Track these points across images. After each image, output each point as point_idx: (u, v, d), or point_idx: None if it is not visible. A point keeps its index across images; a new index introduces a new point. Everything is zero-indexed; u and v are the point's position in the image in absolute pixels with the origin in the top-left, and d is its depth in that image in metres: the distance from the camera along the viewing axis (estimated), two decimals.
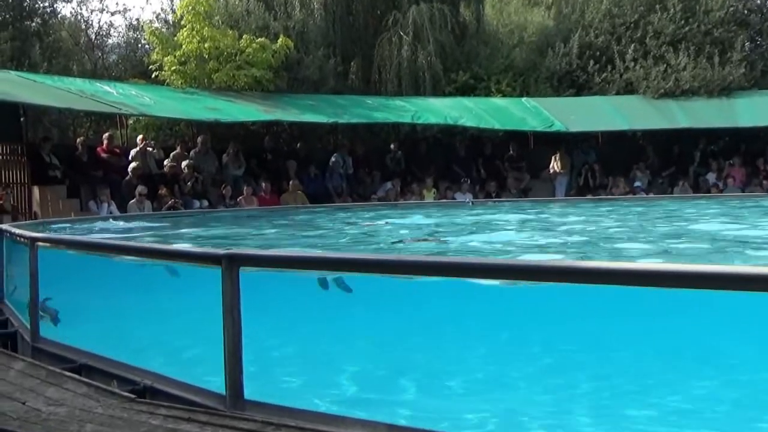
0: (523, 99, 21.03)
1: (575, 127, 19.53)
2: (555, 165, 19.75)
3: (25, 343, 6.31)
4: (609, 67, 21.47)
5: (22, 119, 16.81)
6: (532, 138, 20.99)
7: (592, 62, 21.57)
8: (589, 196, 17.87)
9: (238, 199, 16.42)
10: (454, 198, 18.18)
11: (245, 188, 16.56)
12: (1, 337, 7.32)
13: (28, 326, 6.21)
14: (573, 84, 21.89)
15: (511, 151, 20.10)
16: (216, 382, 4.18)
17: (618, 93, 21.19)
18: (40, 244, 6.11)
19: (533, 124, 19.80)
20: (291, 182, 17.31)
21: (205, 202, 16.26)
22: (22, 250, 6.62)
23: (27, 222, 11.22)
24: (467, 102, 20.73)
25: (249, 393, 4.03)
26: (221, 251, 4.16)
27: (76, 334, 5.75)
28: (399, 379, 4.04)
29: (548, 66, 21.87)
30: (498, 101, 21.02)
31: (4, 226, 7.86)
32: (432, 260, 3.92)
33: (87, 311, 5.85)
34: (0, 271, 8.20)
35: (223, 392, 4.09)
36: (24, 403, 4.15)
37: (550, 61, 21.82)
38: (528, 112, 20.20)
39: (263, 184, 17.09)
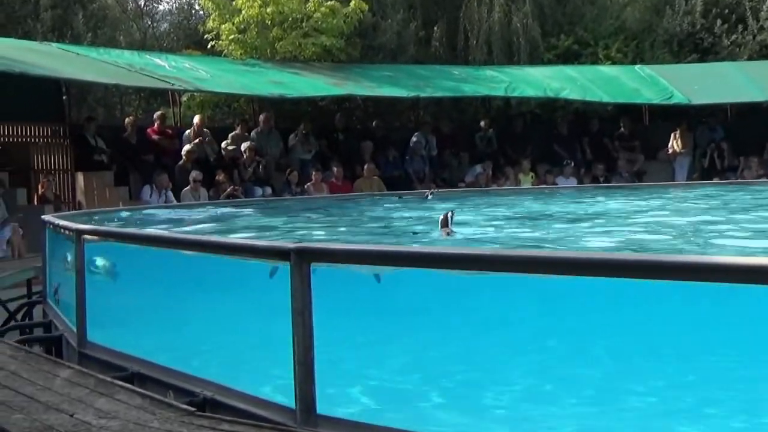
0: (637, 67, 20.68)
1: (699, 99, 19.11)
2: (675, 144, 19.39)
3: (71, 348, 6.47)
4: (740, 28, 20.96)
5: (64, 98, 17.26)
6: (648, 112, 20.64)
7: (719, 22, 21.09)
8: (715, 180, 17.49)
9: (305, 186, 16.55)
10: (555, 183, 18.02)
11: (314, 173, 16.67)
12: (45, 341, 7.56)
13: (75, 329, 6.37)
14: (696, 48, 21.44)
15: (623, 128, 19.80)
16: (284, 395, 4.23)
17: (751, 58, 20.68)
18: (87, 237, 6.26)
19: (649, 96, 19.46)
20: (366, 166, 17.37)
21: (269, 190, 16.44)
22: (66, 244, 6.79)
23: (71, 212, 11.52)
24: (570, 71, 20.49)
25: (322, 407, 4.06)
26: (290, 244, 4.19)
27: (127, 339, 5.88)
28: (486, 392, 4.02)
29: (666, 27, 21.46)
30: (607, 70, 20.72)
31: (47, 218, 8.06)
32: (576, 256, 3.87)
33: (139, 313, 5.97)
34: (42, 267, 8.45)
35: (293, 406, 4.13)
36: (72, 416, 4.27)
37: (668, 22, 21.41)
38: (642, 82, 19.86)
39: (334, 169, 17.20)
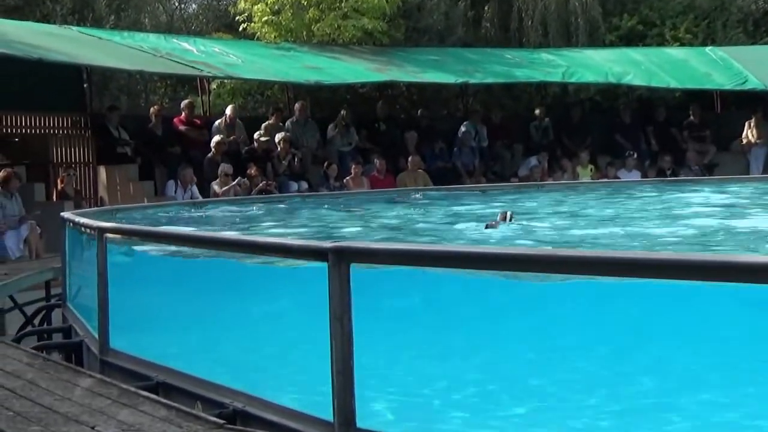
0: (708, 49, 20.47)
1: None
2: (750, 134, 19.17)
3: (93, 355, 6.53)
4: None
5: (85, 85, 17.42)
6: (720, 99, 20.41)
7: None
8: None
9: (344, 180, 16.58)
10: (617, 177, 17.89)
11: (353, 166, 16.68)
12: (65, 348, 7.63)
13: (96, 335, 6.43)
14: None
15: (692, 117, 19.61)
16: (322, 407, 4.23)
17: None
18: (110, 235, 6.30)
19: (721, 82, 19.25)
20: (410, 159, 17.36)
21: (305, 184, 16.48)
22: (87, 243, 6.85)
23: (93, 209, 11.62)
24: (634, 54, 20.33)
25: (362, 420, 4.06)
26: (327, 243, 4.19)
27: (152, 346, 5.92)
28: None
29: (741, 5, 21.25)
30: (674, 52, 20.53)
31: (67, 215, 8.11)
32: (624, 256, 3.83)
33: (165, 318, 6.01)
34: (62, 268, 8.53)
35: (331, 419, 4.13)
36: (93, 428, 4.30)
37: None
38: (714, 66, 19.65)
39: (376, 162, 17.21)
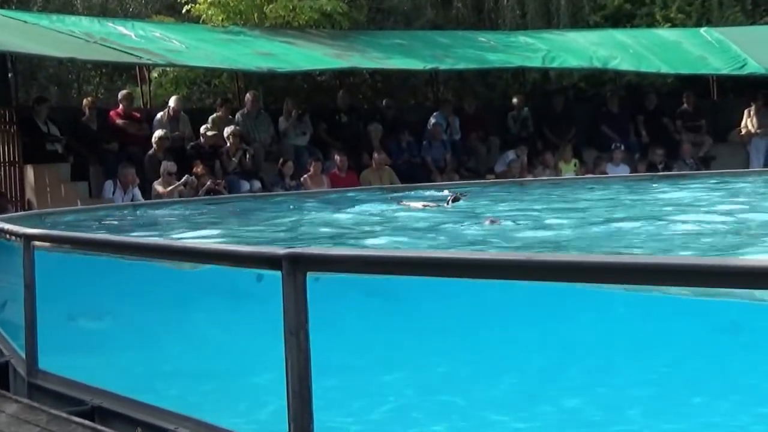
0: (703, 30, 20.62)
1: None
2: (749, 123, 19.33)
3: (20, 377, 6.48)
4: None
5: (9, 75, 17.28)
6: (716, 85, 20.55)
7: None
8: None
9: (301, 179, 16.56)
10: (604, 172, 17.99)
11: (312, 163, 16.67)
12: None
13: (23, 355, 6.38)
14: None
15: (686, 105, 19.75)
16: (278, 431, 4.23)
17: None
18: (38, 243, 6.26)
19: (717, 66, 19.40)
20: (375, 155, 17.37)
21: (258, 183, 16.44)
22: (12, 252, 6.79)
23: (20, 214, 11.54)
24: (621, 36, 20.45)
25: None
26: (280, 250, 4.19)
27: (87, 366, 5.89)
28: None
29: None
30: (666, 33, 20.67)
31: None
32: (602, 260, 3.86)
33: (102, 335, 5.98)
34: None
35: None
36: None
37: None
38: (709, 49, 19.79)
39: (336, 158, 17.20)
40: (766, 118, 19.34)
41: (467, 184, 15.06)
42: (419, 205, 10.56)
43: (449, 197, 10.77)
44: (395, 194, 12.15)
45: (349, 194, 13.81)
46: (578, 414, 4.01)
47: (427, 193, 12.21)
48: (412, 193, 12.42)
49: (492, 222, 9.12)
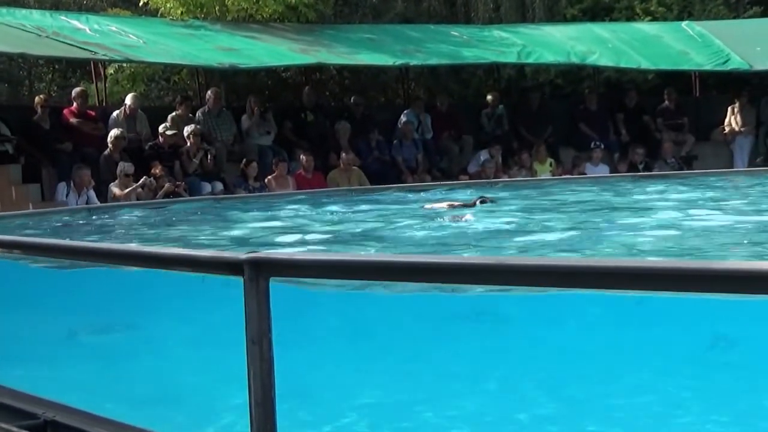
0: (684, 23, 20.74)
1: (763, 64, 19.15)
2: (733, 121, 19.44)
3: None
4: None
5: None
6: (699, 82, 20.67)
7: None
8: None
9: (266, 180, 16.54)
10: (583, 172, 18.06)
11: (276, 164, 16.65)
12: None
13: None
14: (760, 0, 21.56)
15: (667, 102, 19.86)
16: None
17: None
18: None
19: (699, 61, 19.51)
20: (342, 155, 17.37)
21: (219, 185, 16.41)
22: None
23: None
24: (600, 30, 20.53)
25: None
26: (242, 255, 4.19)
27: (39, 378, 5.86)
28: None
29: None
30: (646, 28, 20.77)
31: None
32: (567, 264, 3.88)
33: (54, 344, 5.97)
34: None
35: None
36: None
37: None
38: (691, 44, 19.91)
39: (302, 158, 17.18)
40: (751, 115, 19.47)
41: (438, 185, 15.10)
42: (444, 205, 10.69)
43: (476, 199, 10.94)
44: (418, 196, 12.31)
45: (319, 197, 13.87)
46: None
47: (452, 194, 12.41)
48: (435, 194, 12.56)
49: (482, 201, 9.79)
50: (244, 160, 16.77)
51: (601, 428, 4.36)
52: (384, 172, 17.62)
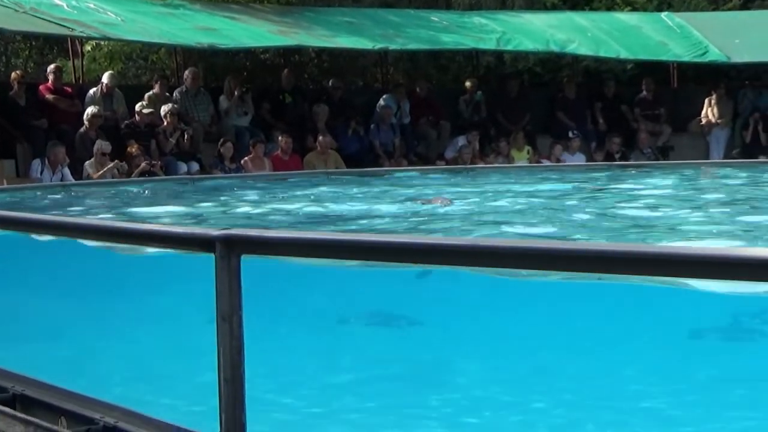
0: (664, 14, 20.80)
1: (741, 57, 19.23)
2: (710, 113, 19.51)
3: None
4: None
5: None
6: (677, 73, 20.73)
7: None
8: (762, 159, 17.62)
9: (242, 161, 16.51)
10: (559, 160, 18.10)
11: (253, 145, 16.62)
12: None
13: None
14: None
15: (645, 92, 19.91)
16: (209, 422, 4.24)
17: None
18: None
19: (678, 53, 19.56)
20: (319, 138, 17.35)
21: (195, 165, 16.38)
22: None
23: None
24: (579, 19, 20.57)
25: None
26: (214, 231, 4.18)
27: (8, 352, 5.85)
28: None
29: None
30: (625, 18, 20.82)
31: None
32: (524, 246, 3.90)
33: (24, 319, 5.95)
34: None
35: None
36: None
37: None
38: (670, 34, 19.96)
39: (280, 140, 17.16)
40: (728, 108, 19.54)
41: (415, 169, 15.12)
42: (438, 201, 10.76)
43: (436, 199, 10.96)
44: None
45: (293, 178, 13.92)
46: None
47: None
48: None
49: (443, 203, 9.57)
50: (221, 140, 16.73)
51: None
52: (361, 156, 17.62)
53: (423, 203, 9.96)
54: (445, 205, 9.64)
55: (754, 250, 2.73)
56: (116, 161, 15.29)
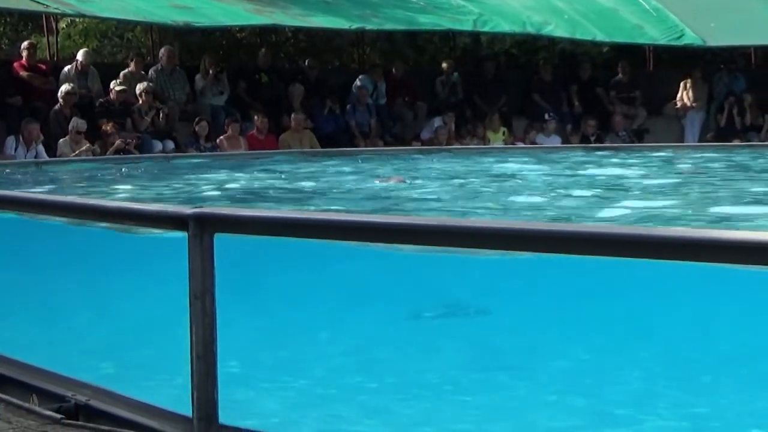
0: None
1: (716, 40, 19.30)
2: (685, 96, 19.57)
3: None
4: None
5: None
6: (652, 56, 20.78)
7: None
8: (736, 142, 17.69)
9: (218, 140, 16.48)
10: (535, 142, 18.13)
11: (229, 124, 16.59)
12: None
13: None
14: None
15: (621, 75, 19.94)
16: (181, 400, 4.24)
17: None
18: None
19: (653, 35, 19.61)
20: (294, 116, 17.32)
21: (171, 144, 16.34)
22: None
23: None
24: (556, 1, 20.54)
25: (225, 416, 4.07)
26: (187, 209, 4.18)
27: None
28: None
29: None
30: (602, 0, 20.80)
31: None
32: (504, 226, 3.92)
33: None
34: None
35: (190, 414, 4.14)
36: None
37: None
38: (646, 17, 19.99)
39: (256, 118, 17.12)
40: (703, 91, 19.61)
41: (392, 150, 15.13)
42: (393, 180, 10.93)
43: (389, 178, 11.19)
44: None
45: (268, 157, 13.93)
46: None
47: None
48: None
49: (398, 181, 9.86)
50: (196, 119, 16.68)
51: None
52: (337, 136, 17.61)
53: (380, 182, 10.22)
54: (396, 183, 9.96)
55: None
56: (88, 145, 15.20)
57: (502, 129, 18.55)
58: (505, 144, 17.88)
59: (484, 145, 17.68)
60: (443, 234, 3.67)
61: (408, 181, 10.07)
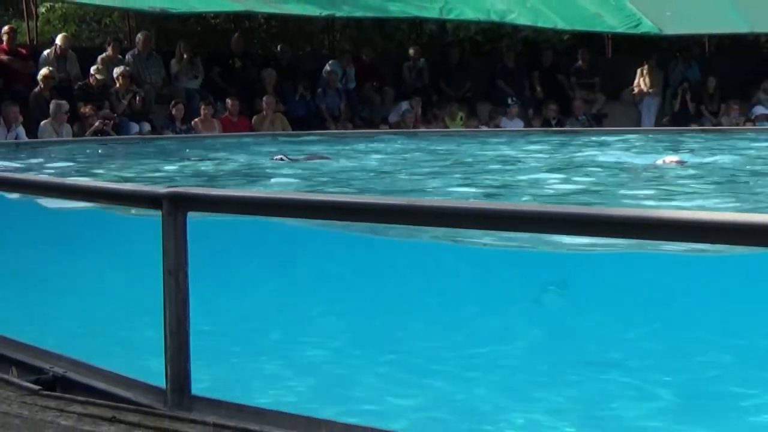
0: None
1: (672, 29, 19.36)
2: (642, 82, 19.65)
3: None
4: None
5: None
6: (611, 43, 20.84)
7: None
8: (693, 126, 17.78)
9: (192, 122, 16.45)
10: (498, 126, 18.16)
11: (203, 107, 16.56)
12: None
13: None
14: None
15: (580, 62, 20.00)
16: (156, 373, 4.24)
17: None
18: None
19: (612, 24, 19.66)
20: (266, 99, 17.29)
21: (147, 126, 16.29)
22: None
23: None
24: None
25: (198, 387, 4.07)
26: (161, 189, 4.17)
27: None
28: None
29: None
30: None
31: None
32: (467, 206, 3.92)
33: None
34: None
35: (163, 385, 4.14)
36: None
37: None
38: (605, 6, 20.02)
39: (228, 102, 17.09)
40: (659, 78, 19.68)
41: (359, 133, 15.13)
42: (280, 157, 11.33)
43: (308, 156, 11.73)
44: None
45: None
46: None
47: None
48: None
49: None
50: (172, 102, 16.65)
51: None
52: (307, 119, 17.61)
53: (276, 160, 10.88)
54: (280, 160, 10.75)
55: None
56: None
57: (459, 114, 18.52)
58: (464, 128, 17.91)
59: (446, 128, 17.71)
60: (402, 212, 3.68)
61: (287, 158, 10.72)
